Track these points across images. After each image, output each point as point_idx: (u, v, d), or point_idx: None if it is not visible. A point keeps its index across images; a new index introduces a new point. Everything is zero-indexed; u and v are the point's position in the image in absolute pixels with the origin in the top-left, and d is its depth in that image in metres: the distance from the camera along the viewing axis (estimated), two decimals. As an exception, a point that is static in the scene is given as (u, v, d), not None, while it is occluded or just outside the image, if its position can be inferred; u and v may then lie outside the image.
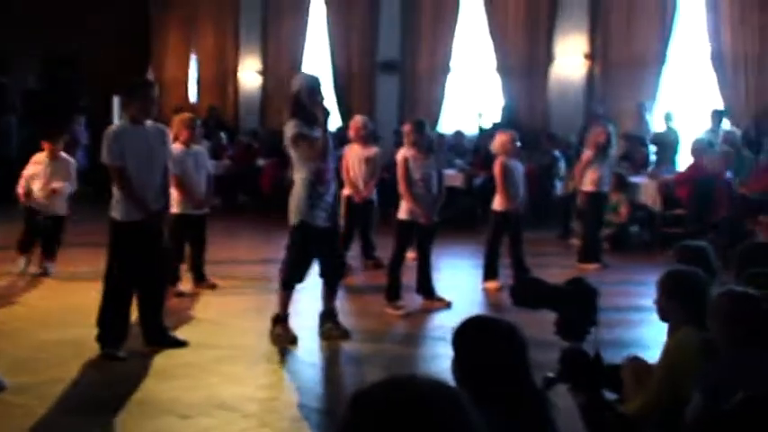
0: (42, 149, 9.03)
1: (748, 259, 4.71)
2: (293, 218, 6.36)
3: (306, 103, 6.28)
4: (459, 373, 3.06)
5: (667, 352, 3.99)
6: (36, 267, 8.81)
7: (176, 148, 7.77)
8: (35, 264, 8.85)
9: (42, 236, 8.86)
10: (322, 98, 6.39)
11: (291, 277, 6.40)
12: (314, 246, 6.36)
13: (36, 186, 8.81)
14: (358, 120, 9.45)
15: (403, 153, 7.83)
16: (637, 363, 4.31)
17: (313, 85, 6.36)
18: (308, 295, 6.94)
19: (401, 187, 7.59)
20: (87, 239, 9.28)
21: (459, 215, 12.54)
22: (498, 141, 8.71)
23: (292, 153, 6.32)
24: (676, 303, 4.02)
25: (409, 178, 7.55)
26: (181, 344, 6.15)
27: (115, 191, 5.97)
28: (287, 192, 13.54)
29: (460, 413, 1.74)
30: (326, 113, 6.37)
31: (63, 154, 9.12)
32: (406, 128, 7.88)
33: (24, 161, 15.39)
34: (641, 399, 4.00)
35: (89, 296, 6.59)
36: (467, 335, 3.10)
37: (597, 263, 9.83)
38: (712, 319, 3.72)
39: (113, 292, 5.95)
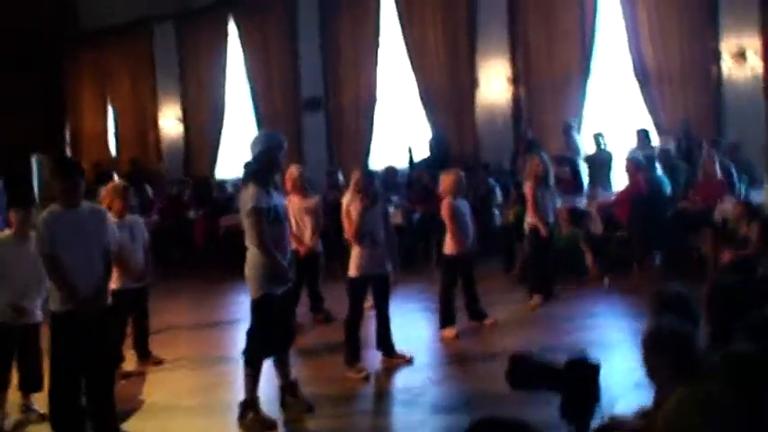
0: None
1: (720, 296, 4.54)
2: (254, 292, 5.99)
3: (264, 167, 5.98)
4: None
5: (665, 418, 3.76)
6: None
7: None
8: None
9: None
10: (281, 159, 6.14)
11: (259, 353, 6.02)
12: (276, 315, 6.03)
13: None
14: (293, 170, 9.15)
15: (347, 202, 7.50)
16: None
17: (274, 147, 6.05)
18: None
19: (352, 239, 7.28)
20: None
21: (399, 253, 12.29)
22: (444, 182, 8.49)
23: (247, 222, 5.95)
24: (665, 362, 3.82)
25: (358, 230, 7.24)
26: None
27: (49, 281, 5.61)
28: (220, 243, 13.44)
29: None
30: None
31: None
32: (354, 176, 7.56)
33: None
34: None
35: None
36: None
37: (541, 293, 9.59)
38: (715, 384, 3.54)
39: (60, 388, 5.53)
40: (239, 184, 13.91)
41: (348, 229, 7.30)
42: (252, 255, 5.97)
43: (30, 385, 6.48)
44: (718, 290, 4.53)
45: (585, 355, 3.46)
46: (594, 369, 3.41)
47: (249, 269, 5.99)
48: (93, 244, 5.65)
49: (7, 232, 6.46)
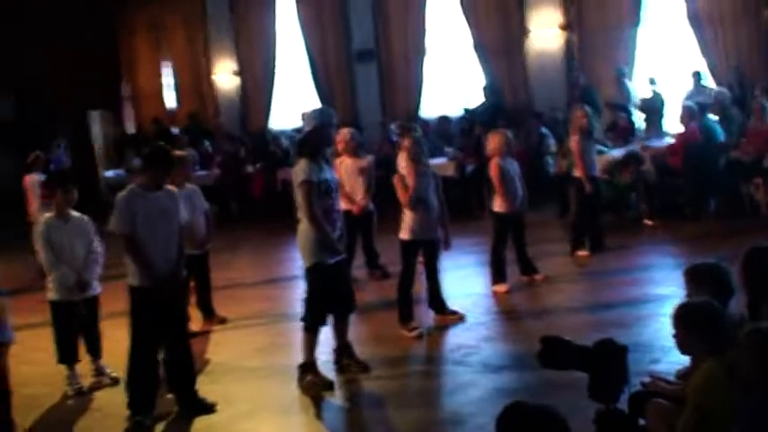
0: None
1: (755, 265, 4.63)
2: (307, 261, 6.27)
3: (316, 143, 6.22)
4: None
5: (694, 390, 3.94)
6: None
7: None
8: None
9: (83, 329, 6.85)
10: (333, 135, 6.37)
11: (316, 320, 6.30)
12: (330, 283, 6.29)
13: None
14: (345, 132, 9.33)
15: (401, 168, 7.66)
16: (661, 405, 4.26)
17: (326, 123, 6.30)
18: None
19: (406, 206, 7.47)
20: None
21: (452, 206, 12.46)
22: (492, 143, 8.63)
23: (298, 194, 6.20)
24: (694, 337, 3.98)
25: (412, 197, 7.42)
26: (210, 408, 6.02)
27: (127, 258, 5.85)
28: (278, 197, 13.74)
29: None
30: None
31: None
32: (406, 143, 7.70)
33: (9, 194, 15.31)
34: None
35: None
36: (510, 429, 3.07)
37: (585, 249, 9.78)
38: (743, 357, 3.70)
39: (139, 360, 5.84)
40: (294, 138, 14.27)
41: (402, 196, 7.46)
42: (303, 226, 6.23)
43: (97, 351, 6.89)
44: (755, 255, 4.63)
45: (613, 339, 3.63)
46: (622, 350, 3.59)
47: (301, 240, 6.26)
48: (171, 224, 5.93)
49: (49, 214, 6.73)
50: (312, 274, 6.27)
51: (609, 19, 13.92)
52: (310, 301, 6.32)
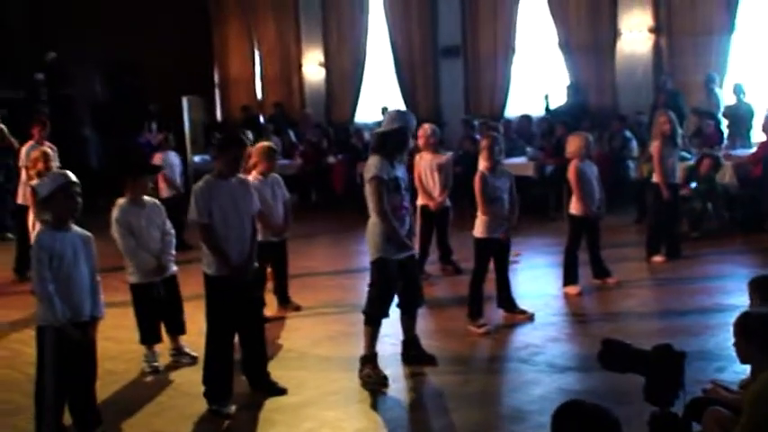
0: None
1: None
2: (371, 254, 6.42)
3: (394, 143, 6.32)
4: None
5: (749, 399, 3.98)
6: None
7: (254, 177, 7.87)
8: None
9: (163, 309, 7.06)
10: (410, 139, 6.51)
11: (377, 313, 6.43)
12: (394, 278, 6.42)
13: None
14: (427, 128, 9.47)
15: (480, 167, 7.77)
16: (718, 412, 4.30)
17: (407, 127, 6.39)
18: (389, 321, 6.75)
19: (479, 203, 7.60)
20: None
21: (530, 206, 12.51)
22: (572, 145, 8.68)
23: (368, 189, 6.35)
24: (755, 347, 4.02)
25: (487, 194, 7.56)
26: (281, 391, 6.21)
27: (204, 246, 6.01)
28: (359, 190, 13.96)
29: None
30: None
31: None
32: (484, 143, 7.82)
33: (105, 173, 15.87)
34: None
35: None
36: (565, 425, 3.19)
37: (661, 255, 9.77)
38: None
39: (217, 348, 5.99)
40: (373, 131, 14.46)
41: (480, 198, 7.58)
42: (372, 220, 6.38)
43: (175, 330, 7.13)
44: None
45: (671, 345, 3.70)
46: (680, 356, 3.66)
47: (368, 233, 6.42)
48: (243, 213, 6.04)
49: (122, 200, 6.90)
50: (375, 267, 6.42)
51: (699, 24, 13.73)
52: (371, 294, 6.46)
